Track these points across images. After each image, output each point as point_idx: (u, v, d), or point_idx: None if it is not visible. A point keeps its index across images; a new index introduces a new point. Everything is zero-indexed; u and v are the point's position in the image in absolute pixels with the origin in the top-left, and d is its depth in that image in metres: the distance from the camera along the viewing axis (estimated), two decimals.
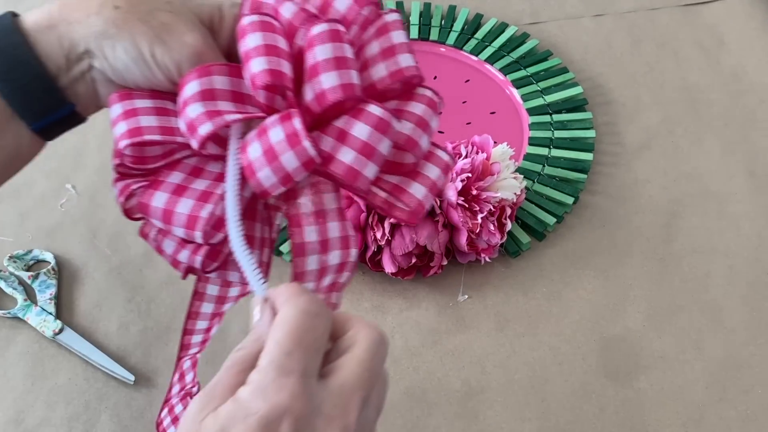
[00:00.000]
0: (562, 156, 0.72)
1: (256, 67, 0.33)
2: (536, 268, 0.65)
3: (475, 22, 0.84)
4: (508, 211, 0.63)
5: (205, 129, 0.34)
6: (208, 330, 0.49)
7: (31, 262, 0.66)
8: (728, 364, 0.60)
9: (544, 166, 0.71)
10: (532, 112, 0.76)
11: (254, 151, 0.33)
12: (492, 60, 0.80)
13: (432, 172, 0.37)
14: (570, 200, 0.68)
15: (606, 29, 0.85)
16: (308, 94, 0.34)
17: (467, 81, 0.80)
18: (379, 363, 0.31)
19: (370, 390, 0.31)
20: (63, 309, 0.63)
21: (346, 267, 0.38)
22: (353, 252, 0.38)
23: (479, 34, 0.83)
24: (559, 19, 0.86)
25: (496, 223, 0.62)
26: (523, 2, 0.88)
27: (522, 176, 0.65)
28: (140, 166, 0.36)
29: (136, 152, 0.36)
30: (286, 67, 0.34)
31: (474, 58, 0.81)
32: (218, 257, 0.40)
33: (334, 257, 0.37)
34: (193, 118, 0.34)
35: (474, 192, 0.61)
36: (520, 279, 0.65)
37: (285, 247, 0.65)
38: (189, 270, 0.40)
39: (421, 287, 0.64)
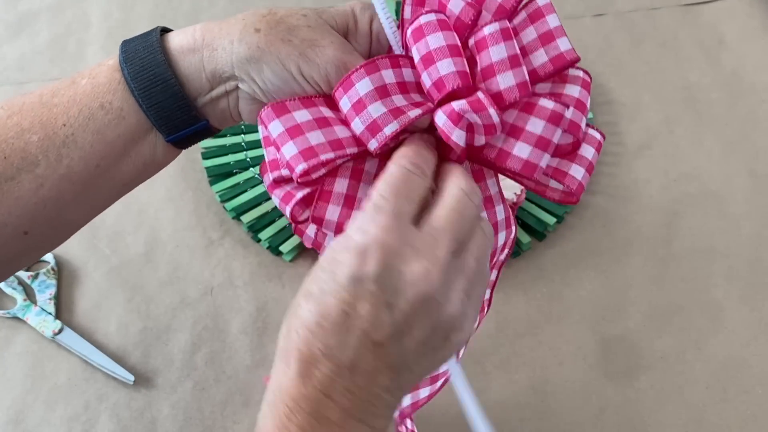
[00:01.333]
0: None
1: (444, 69, 0.34)
2: (536, 268, 0.65)
3: None
4: None
5: (391, 128, 0.34)
6: None
7: None
8: (728, 364, 0.60)
9: None
10: None
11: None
12: None
13: (588, 152, 0.37)
14: None
15: (606, 29, 0.85)
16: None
17: None
18: (466, 207, 0.34)
19: (462, 234, 0.34)
20: (62, 309, 0.63)
21: (508, 244, 0.40)
22: (513, 229, 0.39)
23: None
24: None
25: None
26: None
27: None
28: (305, 179, 0.36)
29: None
30: (467, 67, 0.34)
31: None
32: None
33: (500, 238, 0.39)
34: (377, 117, 0.34)
35: None
36: (520, 279, 0.65)
37: (285, 247, 0.65)
38: None
39: None
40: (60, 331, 0.61)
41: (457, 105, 0.33)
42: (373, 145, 0.35)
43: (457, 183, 0.34)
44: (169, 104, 0.39)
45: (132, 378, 0.58)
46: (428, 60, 0.34)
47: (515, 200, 0.63)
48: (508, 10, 0.36)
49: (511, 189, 0.62)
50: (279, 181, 0.38)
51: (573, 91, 0.37)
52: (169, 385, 0.59)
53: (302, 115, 0.36)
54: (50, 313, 0.62)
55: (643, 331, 0.61)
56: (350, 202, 0.37)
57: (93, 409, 0.58)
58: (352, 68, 0.36)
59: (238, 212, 0.67)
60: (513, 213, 0.64)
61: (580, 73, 0.37)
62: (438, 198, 0.34)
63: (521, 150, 0.34)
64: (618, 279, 0.65)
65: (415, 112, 0.34)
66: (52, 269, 0.64)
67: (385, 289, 0.32)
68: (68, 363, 0.60)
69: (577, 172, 0.37)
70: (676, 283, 0.64)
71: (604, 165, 0.72)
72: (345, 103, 0.36)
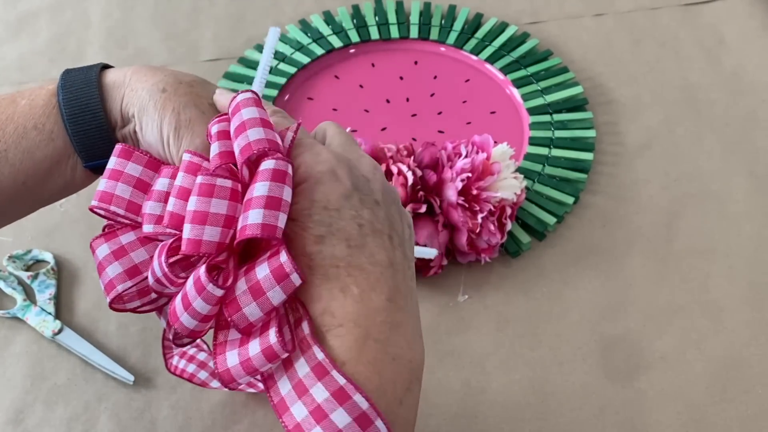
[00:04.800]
0: (563, 156, 0.72)
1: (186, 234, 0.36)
2: (536, 268, 0.65)
3: (475, 22, 0.84)
4: (509, 210, 0.63)
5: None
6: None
7: (31, 262, 0.66)
8: (729, 364, 0.59)
9: (544, 165, 0.71)
10: (532, 111, 0.76)
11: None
12: (492, 59, 0.80)
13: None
14: (570, 200, 0.68)
15: (606, 29, 0.85)
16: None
17: (467, 81, 0.80)
18: (344, 130, 0.43)
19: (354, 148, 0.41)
20: (62, 309, 0.63)
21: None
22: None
23: (479, 34, 0.82)
24: (559, 18, 0.86)
25: (496, 223, 0.62)
26: (523, 2, 0.88)
27: (522, 176, 0.65)
28: (107, 214, 0.40)
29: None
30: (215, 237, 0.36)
31: (474, 57, 0.81)
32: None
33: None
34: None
35: (474, 192, 0.61)
36: (521, 279, 0.65)
37: None
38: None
39: (421, 287, 0.64)
40: (60, 331, 0.61)
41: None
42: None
43: (328, 123, 0.43)
44: (93, 133, 0.42)
45: (132, 378, 0.58)
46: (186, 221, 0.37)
47: (515, 200, 0.63)
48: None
49: (510, 189, 0.62)
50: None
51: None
52: (169, 385, 0.59)
53: (134, 169, 0.40)
54: (50, 313, 0.62)
55: (643, 331, 0.61)
56: (119, 254, 0.41)
57: (93, 409, 0.58)
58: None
59: None
60: (513, 213, 0.64)
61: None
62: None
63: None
64: (618, 279, 0.65)
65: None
66: (52, 269, 0.64)
67: (366, 192, 0.38)
68: (68, 363, 0.60)
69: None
70: (676, 283, 0.64)
71: (605, 165, 0.73)
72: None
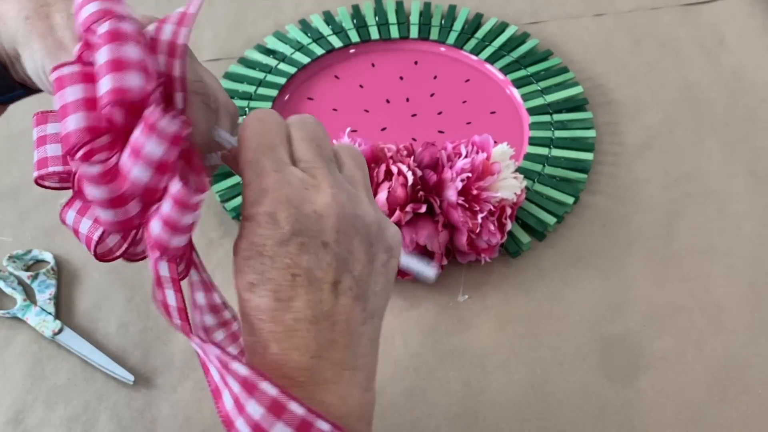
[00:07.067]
0: (563, 156, 0.72)
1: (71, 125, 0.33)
2: (536, 268, 0.65)
3: (475, 22, 0.84)
4: (509, 211, 0.63)
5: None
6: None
7: (31, 262, 0.66)
8: (729, 365, 0.59)
9: (544, 165, 0.71)
10: (532, 111, 0.76)
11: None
12: (492, 59, 0.80)
13: (165, 205, 0.33)
14: (570, 200, 0.68)
15: (606, 29, 0.85)
16: None
17: (467, 81, 0.80)
18: (315, 129, 0.36)
19: (328, 150, 0.36)
20: (62, 309, 0.63)
21: None
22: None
23: (479, 34, 0.82)
24: (559, 18, 0.86)
25: (496, 223, 0.62)
26: (523, 2, 0.88)
27: (522, 176, 0.65)
28: (64, 185, 0.39)
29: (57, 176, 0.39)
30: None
31: (474, 57, 0.81)
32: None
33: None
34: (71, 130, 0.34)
35: (474, 192, 0.61)
36: (521, 279, 0.65)
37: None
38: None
39: (421, 287, 0.64)
40: (60, 331, 0.61)
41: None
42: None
43: (293, 118, 0.37)
44: None
45: (132, 378, 0.58)
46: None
47: (515, 200, 0.63)
48: None
49: (510, 189, 0.62)
50: (45, 187, 0.41)
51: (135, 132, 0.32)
52: (169, 385, 0.59)
53: (54, 128, 0.38)
54: (50, 313, 0.62)
55: (643, 331, 0.61)
56: (83, 210, 0.38)
57: (93, 409, 0.58)
58: None
59: (238, 212, 0.67)
60: (513, 213, 0.64)
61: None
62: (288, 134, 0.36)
63: None
64: (618, 279, 0.65)
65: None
66: (52, 269, 0.64)
67: (310, 234, 0.33)
68: (68, 363, 0.60)
69: (154, 226, 0.33)
70: (676, 283, 0.64)
71: (605, 165, 0.72)
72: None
